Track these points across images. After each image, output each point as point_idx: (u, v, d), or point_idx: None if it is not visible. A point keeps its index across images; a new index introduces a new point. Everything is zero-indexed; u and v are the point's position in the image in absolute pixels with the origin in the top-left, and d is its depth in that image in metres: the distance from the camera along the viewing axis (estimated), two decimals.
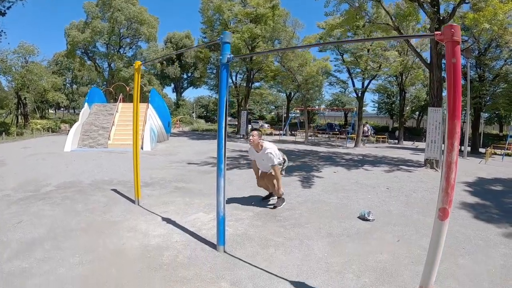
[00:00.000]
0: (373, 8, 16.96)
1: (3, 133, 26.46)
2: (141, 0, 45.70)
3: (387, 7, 16.57)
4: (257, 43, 29.34)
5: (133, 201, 6.55)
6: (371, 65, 25.71)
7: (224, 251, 4.18)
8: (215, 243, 4.30)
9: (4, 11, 24.22)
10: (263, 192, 7.43)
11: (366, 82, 27.87)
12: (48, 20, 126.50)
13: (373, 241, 4.72)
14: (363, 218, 5.70)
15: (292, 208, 6.32)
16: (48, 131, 34.54)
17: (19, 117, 38.31)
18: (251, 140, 6.17)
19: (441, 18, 13.26)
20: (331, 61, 35.08)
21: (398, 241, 4.73)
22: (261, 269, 3.74)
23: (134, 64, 6.40)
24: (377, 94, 51.42)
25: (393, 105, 48.42)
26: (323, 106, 55.06)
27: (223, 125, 4.11)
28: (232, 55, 4.20)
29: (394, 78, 34.27)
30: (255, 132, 6.26)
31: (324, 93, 54.14)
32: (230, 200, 6.60)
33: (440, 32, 2.60)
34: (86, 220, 5.47)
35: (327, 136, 37.75)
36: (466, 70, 20.27)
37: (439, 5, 13.40)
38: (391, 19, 15.18)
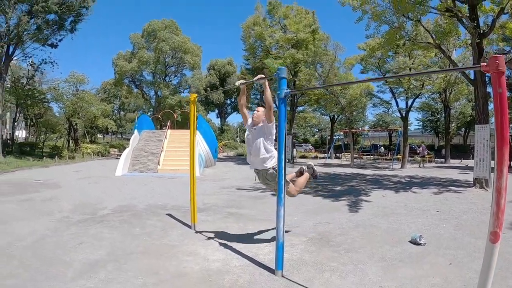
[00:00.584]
0: (412, 27, 16.95)
1: (56, 156, 27.93)
2: (184, 30, 47.52)
3: (425, 22, 16.53)
4: (299, 68, 29.64)
5: (189, 226, 6.82)
6: (414, 83, 25.47)
7: (282, 276, 4.32)
8: (273, 267, 4.44)
9: (56, 43, 25.91)
10: (315, 218, 7.62)
11: (410, 102, 27.61)
12: (95, 50, 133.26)
13: (425, 265, 4.74)
14: (414, 242, 5.71)
15: (345, 233, 6.40)
16: (98, 155, 36.06)
17: (70, 141, 40.37)
18: (255, 115, 5.29)
19: (482, 32, 13.19)
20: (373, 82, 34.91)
21: (450, 264, 4.75)
22: None
23: (190, 96, 6.80)
24: (421, 112, 50.46)
25: (438, 123, 47.06)
26: (366, 127, 54.46)
27: (283, 157, 4.39)
28: (289, 90, 4.49)
29: (438, 94, 33.66)
30: (261, 108, 5.37)
31: (368, 113, 53.68)
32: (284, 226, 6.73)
33: (485, 64, 2.73)
34: (144, 244, 5.76)
35: (372, 157, 37.34)
36: (511, 81, 19.72)
37: (478, 19, 13.31)
38: (432, 37, 15.16)
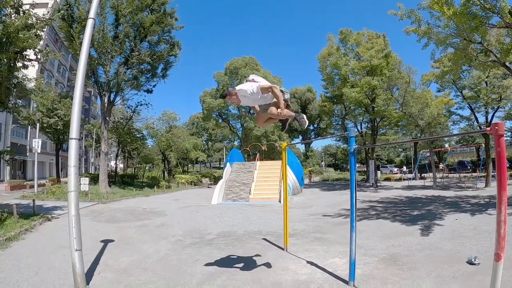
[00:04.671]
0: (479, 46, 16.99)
1: (155, 186, 30.94)
2: (264, 64, 50.19)
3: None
4: (376, 93, 30.36)
5: (282, 248, 8.34)
6: (492, 97, 25.37)
7: (354, 286, 5.61)
8: (348, 280, 5.74)
9: (151, 89, 29.25)
10: (388, 241, 8.76)
11: (489, 116, 27.31)
12: (183, 87, 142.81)
13: (474, 282, 5.61)
14: (470, 262, 6.54)
15: (411, 255, 7.41)
16: (191, 184, 38.71)
17: (165, 172, 44.14)
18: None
19: None
20: (450, 99, 34.49)
21: None
22: None
23: (281, 145, 8.40)
24: (506, 121, 47.74)
25: None
26: (452, 144, 52.80)
27: (354, 201, 5.73)
28: (357, 146, 5.86)
29: None
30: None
31: (452, 130, 51.92)
32: (360, 248, 7.77)
33: (490, 128, 3.81)
34: (248, 261, 7.36)
35: (458, 176, 36.46)
36: None
37: None
38: (495, 56, 15.46)
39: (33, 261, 7.35)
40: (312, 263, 7.04)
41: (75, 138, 5.96)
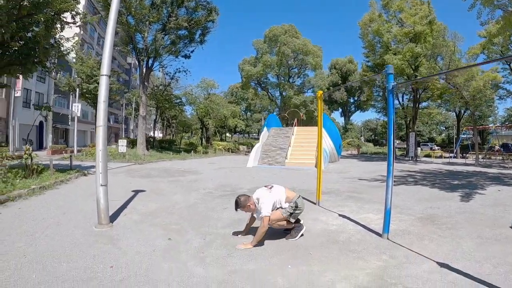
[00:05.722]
0: None
1: (192, 151, 31.77)
2: (303, 33, 49.54)
3: None
4: (420, 61, 29.24)
5: (314, 203, 8.21)
6: None
7: (387, 238, 5.35)
8: (381, 233, 5.51)
9: (189, 54, 29.40)
10: (426, 204, 8.43)
11: None
12: (221, 56, 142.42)
13: None
14: None
15: (451, 216, 7.06)
16: (228, 151, 39.56)
17: (203, 139, 45.02)
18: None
19: None
20: (498, 71, 32.64)
21: None
22: (414, 252, 4.78)
23: (317, 93, 8.16)
24: None
25: None
26: (497, 124, 50.51)
27: (392, 138, 5.46)
28: (395, 83, 5.53)
29: None
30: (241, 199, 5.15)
31: (498, 104, 49.21)
32: (396, 207, 7.55)
33: None
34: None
35: (501, 157, 34.93)
36: None
37: None
38: None
39: (63, 205, 7.63)
40: (344, 216, 6.90)
41: (105, 75, 6.07)
